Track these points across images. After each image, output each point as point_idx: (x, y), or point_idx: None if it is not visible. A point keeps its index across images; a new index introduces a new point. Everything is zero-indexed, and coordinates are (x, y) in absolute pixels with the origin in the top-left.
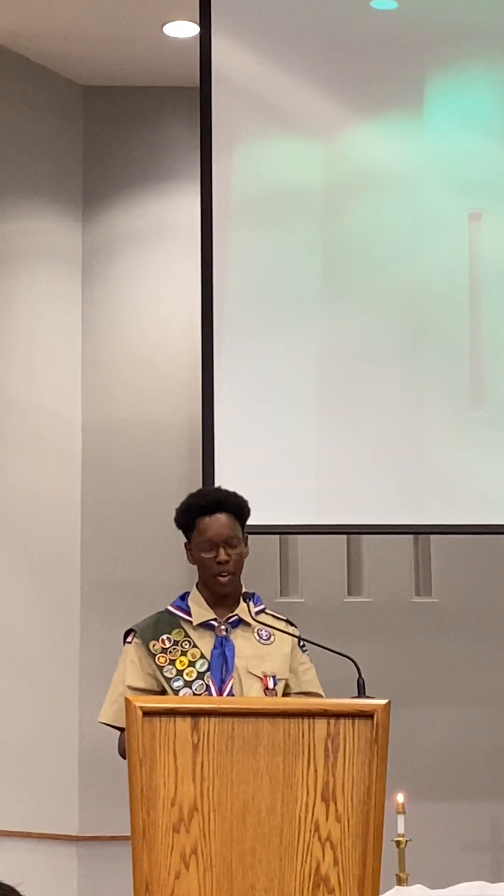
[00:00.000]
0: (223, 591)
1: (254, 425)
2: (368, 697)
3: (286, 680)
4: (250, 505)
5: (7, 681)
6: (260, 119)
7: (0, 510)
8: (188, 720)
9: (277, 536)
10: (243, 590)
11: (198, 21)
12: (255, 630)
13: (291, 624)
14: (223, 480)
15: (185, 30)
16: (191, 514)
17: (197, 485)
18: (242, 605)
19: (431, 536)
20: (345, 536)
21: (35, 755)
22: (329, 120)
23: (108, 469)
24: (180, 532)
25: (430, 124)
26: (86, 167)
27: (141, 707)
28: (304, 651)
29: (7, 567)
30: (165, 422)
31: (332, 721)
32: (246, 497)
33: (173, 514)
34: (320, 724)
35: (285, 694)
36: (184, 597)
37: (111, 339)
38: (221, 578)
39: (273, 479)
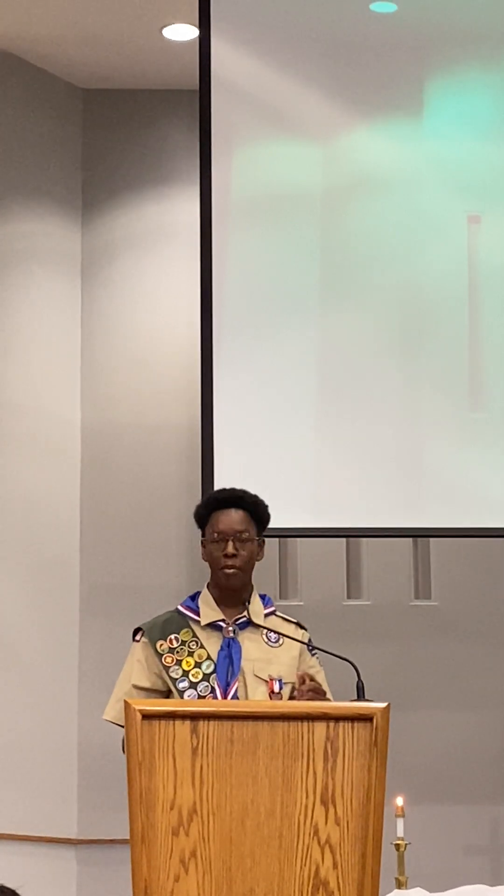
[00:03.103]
0: (227, 584)
1: (253, 428)
2: (368, 700)
3: (293, 684)
4: None
5: (6, 684)
6: (259, 122)
7: None
8: (187, 723)
9: (277, 539)
10: (254, 591)
11: (197, 24)
12: (264, 632)
13: (301, 627)
14: (222, 483)
15: (184, 33)
16: (207, 508)
17: (196, 487)
18: (253, 606)
19: (431, 539)
20: (344, 539)
21: (34, 758)
22: (328, 123)
23: (107, 472)
24: (179, 534)
25: (429, 127)
26: (85, 170)
27: (140, 710)
28: (313, 654)
29: (6, 569)
30: (164, 424)
31: (332, 724)
32: None
33: (172, 517)
34: (319, 728)
35: (292, 697)
36: (194, 597)
37: (110, 342)
38: (227, 571)
39: (272, 481)
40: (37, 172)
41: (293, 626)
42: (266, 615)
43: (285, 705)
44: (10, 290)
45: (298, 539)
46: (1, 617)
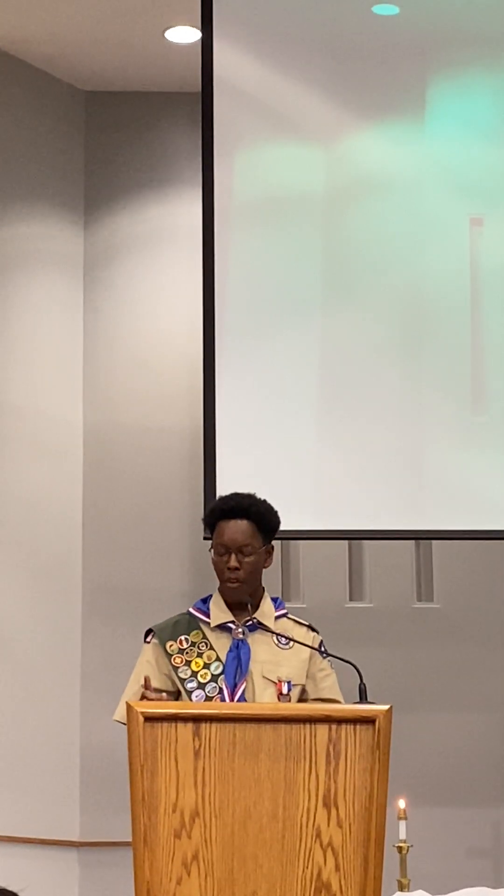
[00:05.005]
0: (231, 597)
1: (255, 430)
2: (370, 703)
3: (303, 686)
4: None
5: (9, 686)
6: (261, 124)
7: (1, 515)
8: (190, 726)
9: (279, 542)
10: (265, 594)
11: (199, 26)
12: (274, 634)
13: (313, 629)
14: (224, 485)
15: (186, 35)
16: (213, 517)
17: (198, 489)
18: (263, 609)
19: (433, 542)
20: (346, 542)
21: (37, 760)
22: (330, 125)
23: (109, 474)
24: (182, 536)
25: (431, 129)
26: (87, 172)
27: (142, 712)
28: (325, 657)
29: (8, 571)
30: (166, 426)
31: (334, 727)
32: None
33: (175, 519)
34: (322, 730)
35: (302, 699)
36: (206, 599)
37: (112, 344)
38: (229, 585)
39: (274, 484)
40: (39, 175)
41: (305, 628)
42: (277, 618)
43: (287, 707)
44: (12, 292)
45: (301, 541)
46: (3, 619)
